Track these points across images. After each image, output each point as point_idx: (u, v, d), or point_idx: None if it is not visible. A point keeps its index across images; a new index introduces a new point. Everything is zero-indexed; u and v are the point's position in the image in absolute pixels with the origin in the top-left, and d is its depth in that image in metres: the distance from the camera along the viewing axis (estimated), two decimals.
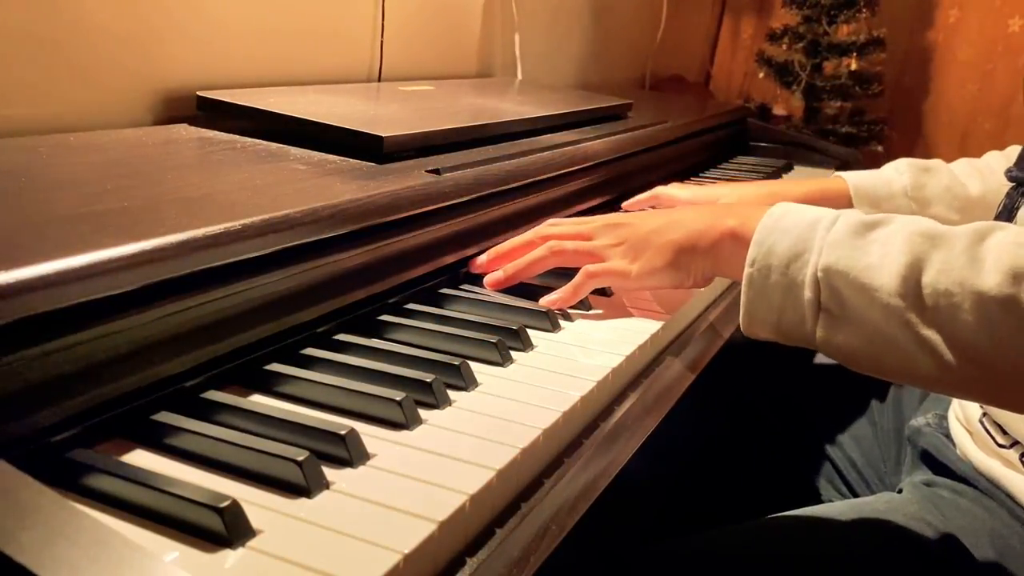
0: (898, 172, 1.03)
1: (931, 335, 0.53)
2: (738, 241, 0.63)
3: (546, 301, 0.67)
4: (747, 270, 0.60)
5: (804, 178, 1.10)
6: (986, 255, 0.53)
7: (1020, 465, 0.69)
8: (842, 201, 1.03)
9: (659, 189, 1.05)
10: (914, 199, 1.01)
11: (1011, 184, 0.83)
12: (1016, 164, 0.83)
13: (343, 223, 0.57)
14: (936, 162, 1.04)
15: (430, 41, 1.29)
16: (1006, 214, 0.81)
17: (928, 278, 0.53)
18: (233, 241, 0.49)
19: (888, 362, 0.56)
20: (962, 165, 1.03)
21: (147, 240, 0.44)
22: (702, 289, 0.71)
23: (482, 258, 0.72)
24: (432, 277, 0.68)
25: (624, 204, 1.05)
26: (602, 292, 0.72)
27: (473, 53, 1.41)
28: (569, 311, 0.67)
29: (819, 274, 0.57)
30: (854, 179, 1.04)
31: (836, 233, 0.58)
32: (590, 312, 0.68)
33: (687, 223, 0.67)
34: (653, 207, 1.04)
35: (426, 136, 0.78)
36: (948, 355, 0.53)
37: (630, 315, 0.68)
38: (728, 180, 1.26)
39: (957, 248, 0.54)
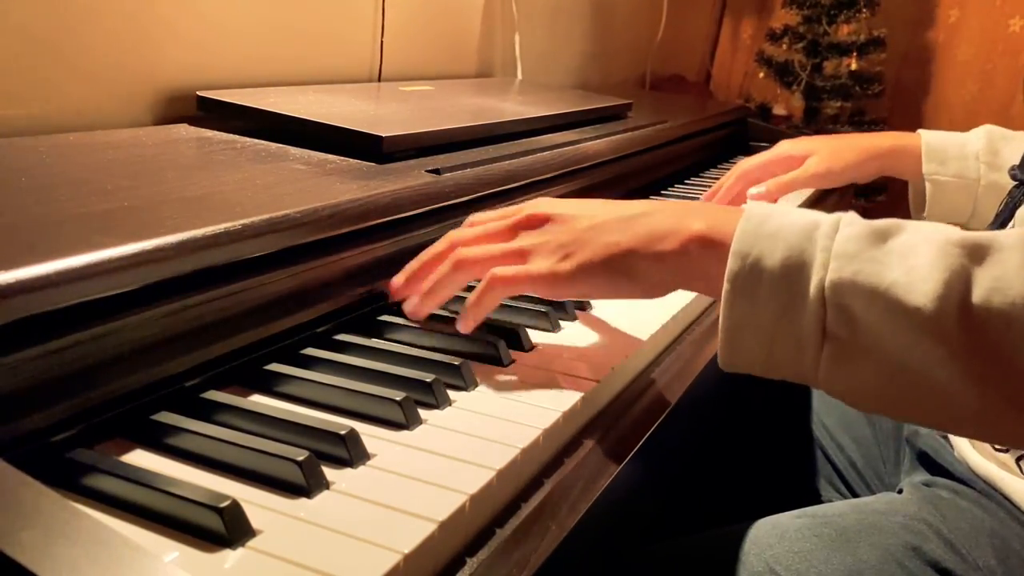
0: (976, 136, 1.04)
1: (980, 367, 0.44)
2: (711, 248, 0.52)
3: (458, 323, 0.56)
4: (727, 286, 0.49)
5: (882, 133, 1.15)
6: None
7: (1016, 468, 0.69)
8: (912, 157, 1.05)
9: (745, 162, 1.08)
10: (985, 163, 1.01)
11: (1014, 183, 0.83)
12: (1020, 164, 0.83)
13: (343, 223, 0.57)
14: (1020, 133, 1.05)
15: (430, 41, 1.29)
16: (1008, 212, 0.81)
17: (976, 297, 0.44)
18: (233, 241, 0.49)
19: (914, 400, 0.47)
20: None
21: (147, 240, 0.44)
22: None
23: (399, 278, 0.60)
24: None
25: (711, 197, 1.07)
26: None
27: (473, 53, 1.41)
28: (571, 307, 0.66)
29: (826, 292, 0.47)
30: (929, 136, 1.06)
31: (843, 242, 0.48)
32: (594, 310, 0.68)
33: (638, 222, 0.55)
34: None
35: (426, 136, 0.78)
36: (1000, 391, 0.45)
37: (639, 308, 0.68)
38: None
39: (1011, 262, 0.45)
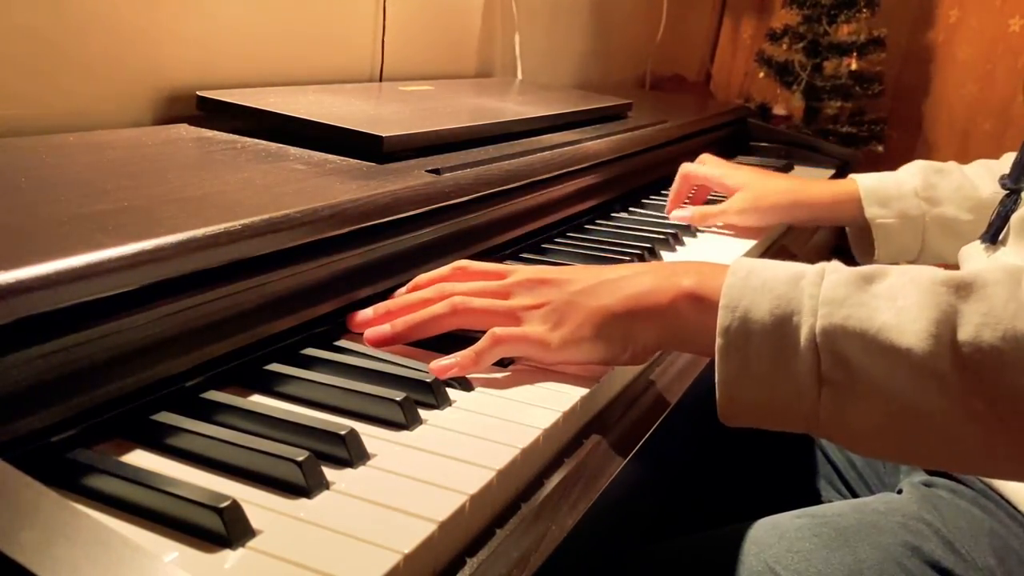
0: (910, 173, 1.05)
1: (975, 402, 0.45)
2: (699, 304, 0.53)
3: (437, 366, 0.53)
4: (719, 340, 0.50)
5: (820, 180, 1.14)
6: None
7: None
8: (853, 204, 1.04)
9: (687, 166, 1.08)
10: (925, 199, 1.02)
11: (1005, 192, 0.83)
12: (1010, 173, 0.83)
13: (343, 223, 0.57)
14: (950, 164, 1.06)
15: (431, 41, 1.29)
16: (1000, 220, 0.81)
17: (966, 334, 0.45)
18: (233, 241, 0.49)
19: (915, 440, 0.47)
20: (976, 167, 1.05)
21: (147, 240, 0.44)
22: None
23: (367, 312, 0.59)
24: None
25: (671, 213, 1.07)
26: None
27: (473, 53, 1.41)
28: None
29: (817, 338, 0.47)
30: (865, 180, 1.05)
31: (830, 288, 0.49)
32: None
33: (627, 283, 0.56)
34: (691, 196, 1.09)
35: (426, 136, 0.78)
36: (996, 424, 0.45)
37: None
38: None
39: (998, 296, 0.45)
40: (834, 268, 0.51)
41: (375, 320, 0.59)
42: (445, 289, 0.59)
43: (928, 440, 0.47)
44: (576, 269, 0.60)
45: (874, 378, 0.47)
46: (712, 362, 0.51)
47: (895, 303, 0.47)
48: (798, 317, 0.48)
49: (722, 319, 0.50)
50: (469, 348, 0.54)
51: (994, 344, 0.44)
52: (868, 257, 1.09)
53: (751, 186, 1.06)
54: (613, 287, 0.56)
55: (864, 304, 0.47)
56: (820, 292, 0.49)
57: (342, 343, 0.57)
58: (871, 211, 1.04)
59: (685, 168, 1.08)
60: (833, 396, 0.48)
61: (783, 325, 0.49)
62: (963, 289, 0.46)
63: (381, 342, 0.57)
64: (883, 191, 1.04)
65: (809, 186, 1.09)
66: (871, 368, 0.47)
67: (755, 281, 0.50)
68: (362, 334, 0.58)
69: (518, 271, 0.60)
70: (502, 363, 0.57)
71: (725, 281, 0.51)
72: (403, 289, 0.62)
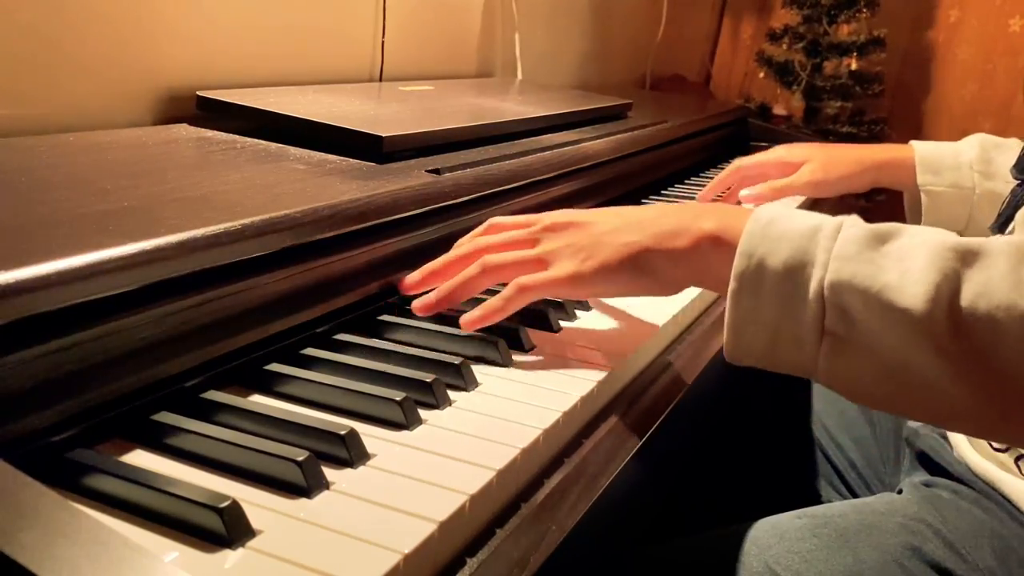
0: (969, 145, 1.05)
1: (967, 366, 0.46)
2: (720, 247, 0.55)
3: (467, 319, 0.57)
4: (733, 284, 0.52)
5: (878, 144, 1.16)
6: None
7: (1016, 468, 0.69)
8: (906, 169, 1.06)
9: (741, 160, 1.12)
10: (979, 172, 1.02)
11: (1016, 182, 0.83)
12: (1016, 163, 0.83)
13: (343, 223, 0.57)
14: (1011, 140, 1.06)
15: (430, 41, 1.29)
16: (1010, 210, 0.81)
17: (965, 300, 0.46)
18: (233, 241, 0.49)
19: (907, 396, 0.49)
20: None
21: (147, 240, 0.44)
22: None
23: (415, 275, 0.62)
24: None
25: (703, 196, 1.10)
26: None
27: (473, 53, 1.41)
28: (571, 307, 0.67)
29: (825, 291, 0.49)
30: (922, 148, 1.07)
31: (843, 244, 0.50)
32: (590, 313, 0.68)
33: (652, 223, 0.58)
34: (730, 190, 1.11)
35: (426, 136, 0.78)
36: (986, 389, 0.46)
37: (632, 312, 0.68)
38: None
39: (998, 267, 0.46)
40: (852, 223, 0.52)
41: (421, 282, 0.62)
42: (480, 243, 0.62)
43: (921, 397, 0.49)
44: (600, 211, 0.62)
45: (873, 333, 0.48)
46: (713, 361, 0.52)
47: (902, 263, 0.48)
48: (810, 269, 0.50)
49: (738, 264, 0.52)
50: (495, 296, 0.57)
51: (988, 313, 0.46)
52: (916, 224, 1.09)
53: (817, 158, 1.07)
54: (640, 226, 0.58)
55: (872, 262, 0.49)
56: (834, 247, 0.50)
57: (341, 336, 0.57)
58: (923, 178, 1.05)
59: (740, 162, 1.11)
60: (832, 346, 0.50)
61: (795, 275, 0.50)
62: (969, 256, 0.48)
63: (428, 310, 0.60)
64: (938, 159, 1.04)
65: (872, 151, 1.10)
66: (871, 324, 0.48)
67: (774, 231, 0.52)
68: (361, 331, 0.59)
69: (545, 216, 0.62)
70: (503, 362, 0.57)
71: (745, 227, 0.53)
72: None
